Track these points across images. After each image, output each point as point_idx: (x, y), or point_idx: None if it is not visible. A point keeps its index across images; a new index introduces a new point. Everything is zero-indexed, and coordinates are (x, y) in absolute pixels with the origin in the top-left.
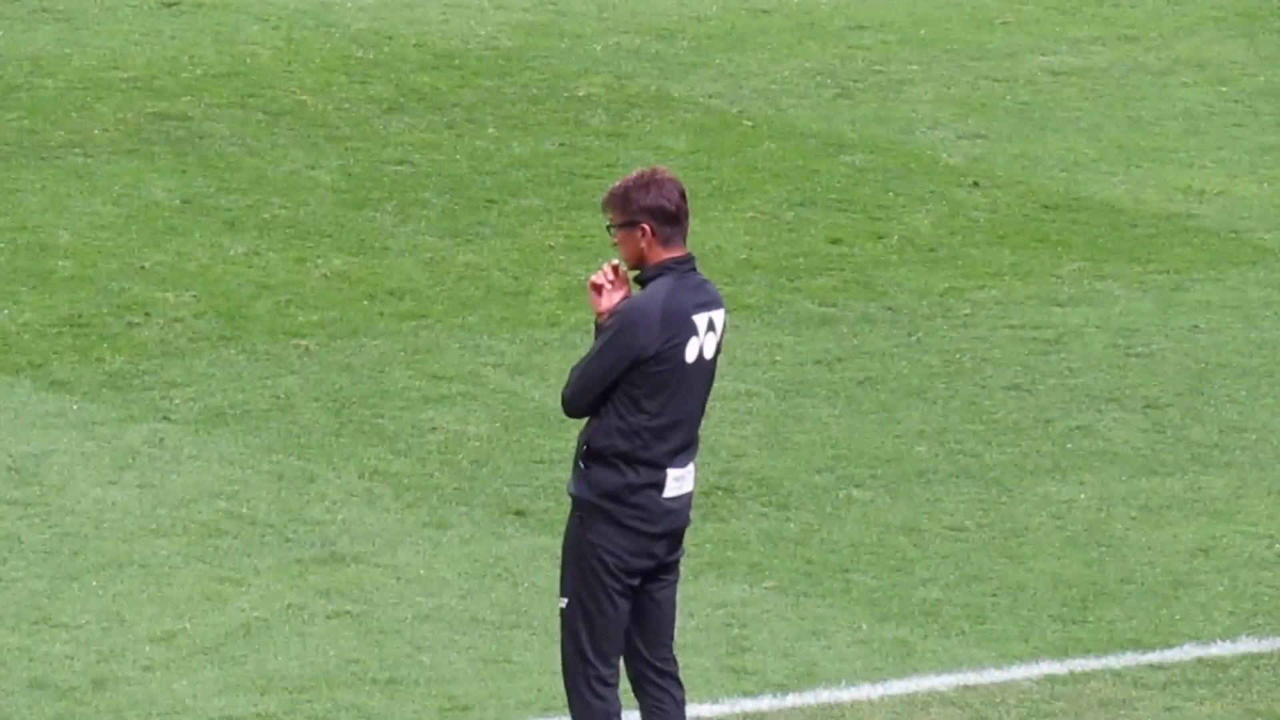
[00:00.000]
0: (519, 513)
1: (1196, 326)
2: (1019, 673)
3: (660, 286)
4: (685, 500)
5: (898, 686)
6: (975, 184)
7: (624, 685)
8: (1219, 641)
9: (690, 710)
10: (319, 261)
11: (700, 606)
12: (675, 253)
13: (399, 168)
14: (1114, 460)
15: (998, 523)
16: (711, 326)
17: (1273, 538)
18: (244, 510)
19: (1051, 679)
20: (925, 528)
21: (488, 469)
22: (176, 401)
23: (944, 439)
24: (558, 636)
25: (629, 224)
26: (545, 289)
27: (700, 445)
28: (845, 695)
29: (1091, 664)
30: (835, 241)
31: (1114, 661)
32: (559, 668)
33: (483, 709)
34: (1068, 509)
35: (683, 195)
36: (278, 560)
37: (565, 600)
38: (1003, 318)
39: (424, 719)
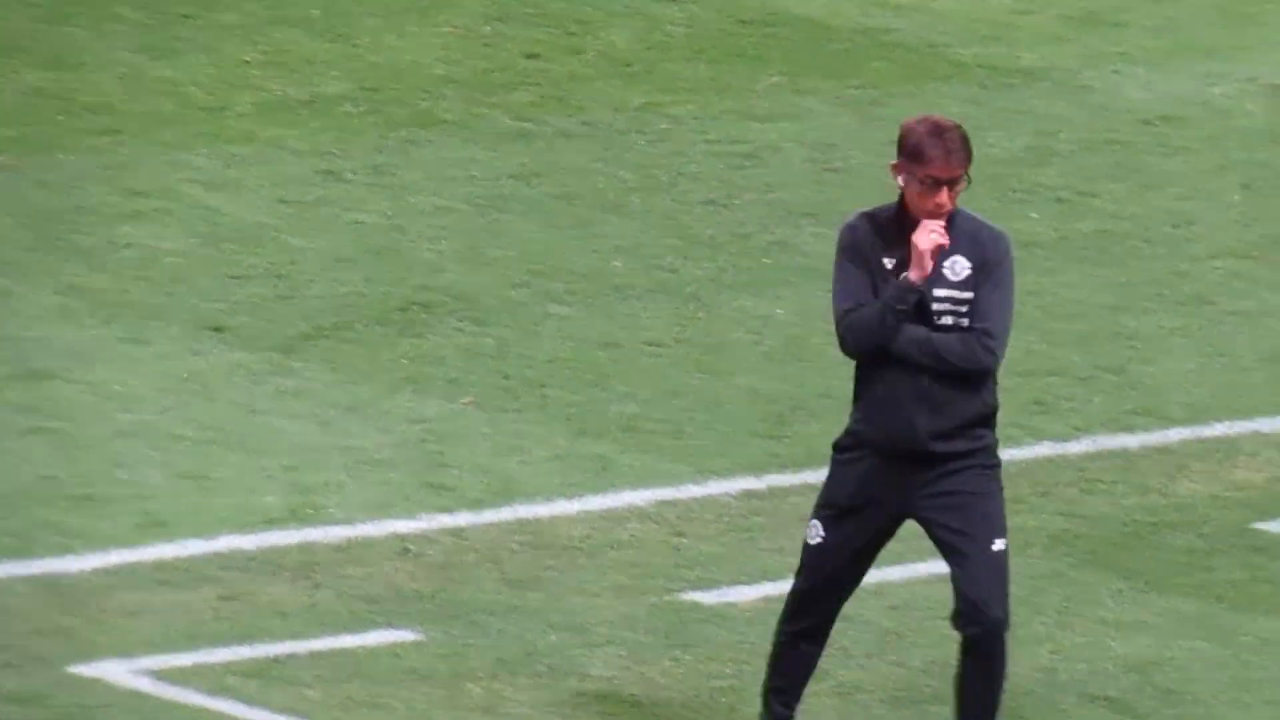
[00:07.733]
0: (217, 328)
1: (894, 141)
2: (717, 488)
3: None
4: None
5: (595, 502)
6: None
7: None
8: None
9: (386, 526)
10: (13, 77)
11: (396, 422)
12: None
13: None
14: (812, 275)
15: (696, 338)
16: None
17: None
18: None
19: (750, 494)
20: (623, 343)
21: (185, 285)
22: None
23: (641, 254)
24: (256, 451)
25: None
26: (242, 104)
27: None
28: (543, 510)
29: (789, 479)
30: (532, 56)
31: (811, 477)
32: (256, 485)
33: (180, 524)
34: (765, 324)
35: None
36: None
37: (1004, 542)
38: (700, 133)
39: (121, 535)
